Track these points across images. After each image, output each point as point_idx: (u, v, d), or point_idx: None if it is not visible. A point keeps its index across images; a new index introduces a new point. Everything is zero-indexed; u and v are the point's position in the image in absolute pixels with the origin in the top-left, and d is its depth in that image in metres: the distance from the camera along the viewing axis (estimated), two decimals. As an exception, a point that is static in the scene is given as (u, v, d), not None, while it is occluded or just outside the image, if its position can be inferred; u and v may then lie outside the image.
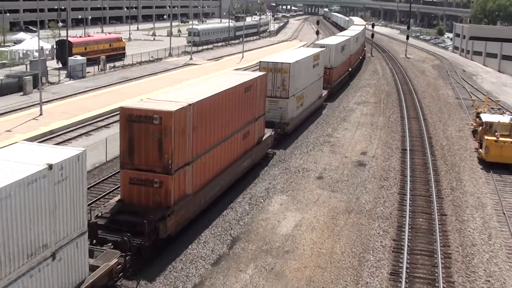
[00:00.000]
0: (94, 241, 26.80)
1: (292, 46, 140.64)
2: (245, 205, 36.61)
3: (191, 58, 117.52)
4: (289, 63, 51.27)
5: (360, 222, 34.96)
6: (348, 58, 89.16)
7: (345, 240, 32.25)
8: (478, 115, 56.30)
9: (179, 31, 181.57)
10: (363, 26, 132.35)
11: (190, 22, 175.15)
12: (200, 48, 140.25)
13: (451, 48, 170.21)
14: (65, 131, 53.56)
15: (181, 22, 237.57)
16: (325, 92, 70.15)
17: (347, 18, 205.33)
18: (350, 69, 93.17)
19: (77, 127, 55.39)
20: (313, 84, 61.92)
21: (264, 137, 44.96)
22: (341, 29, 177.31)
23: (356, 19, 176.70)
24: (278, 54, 73.15)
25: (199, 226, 32.74)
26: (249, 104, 40.13)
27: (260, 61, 52.89)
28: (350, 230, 33.63)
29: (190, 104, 30.01)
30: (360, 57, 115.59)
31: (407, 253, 30.55)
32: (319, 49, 66.85)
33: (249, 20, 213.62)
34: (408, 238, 32.35)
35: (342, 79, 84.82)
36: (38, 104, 60.16)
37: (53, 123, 54.83)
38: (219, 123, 34.59)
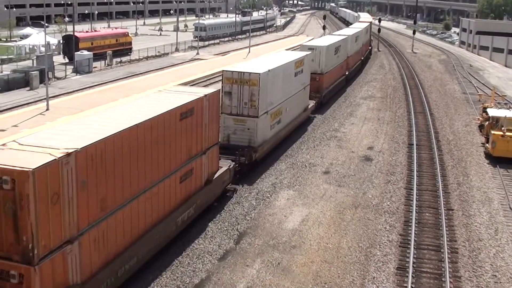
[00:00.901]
0: None
1: (300, 41, 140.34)
2: (252, 200, 36.67)
3: (197, 53, 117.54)
4: (259, 73, 40.79)
5: (366, 217, 34.98)
6: (344, 60, 78.92)
7: (352, 235, 32.29)
8: (484, 110, 56.21)
9: (186, 26, 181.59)
10: (367, 23, 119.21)
11: (205, 17, 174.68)
12: (206, 43, 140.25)
13: (457, 43, 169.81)
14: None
15: (196, 16, 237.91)
16: (312, 103, 60.02)
17: (356, 14, 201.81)
18: (347, 73, 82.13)
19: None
20: (296, 96, 51.89)
21: (218, 173, 35.25)
22: (349, 24, 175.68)
23: (364, 15, 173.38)
24: (250, 60, 55.99)
25: (206, 220, 32.82)
26: (190, 134, 30.21)
27: (223, 70, 42.23)
28: (356, 225, 33.67)
29: (68, 154, 19.98)
30: (362, 58, 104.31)
31: (414, 247, 30.57)
32: (304, 53, 56.33)
33: (255, 15, 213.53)
34: (414, 233, 32.36)
35: (336, 85, 74.28)
36: (44, 99, 60.35)
37: (59, 118, 54.93)
38: (133, 169, 24.58)
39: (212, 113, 33.28)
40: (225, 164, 36.66)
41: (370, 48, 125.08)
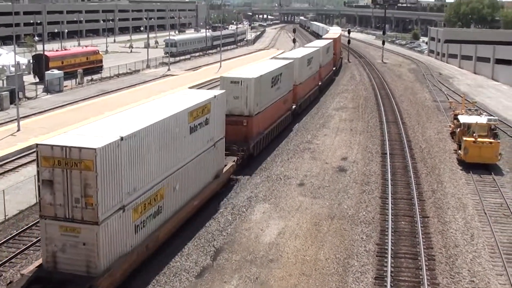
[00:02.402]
0: None
1: (271, 54, 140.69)
2: (227, 215, 36.51)
3: (169, 69, 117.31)
4: (95, 149, 24.05)
5: (343, 227, 34.99)
6: (281, 97, 57.88)
7: (329, 246, 32.26)
8: (456, 117, 56.61)
9: (156, 42, 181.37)
10: (331, 40, 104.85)
11: (187, 32, 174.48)
12: (178, 58, 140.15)
13: (426, 51, 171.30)
14: (44, 146, 53.07)
15: (178, 32, 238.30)
16: (231, 162, 42.56)
17: (328, 28, 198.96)
18: (280, 120, 58.39)
19: (56, 142, 54.91)
20: (195, 162, 34.87)
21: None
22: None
23: (334, 29, 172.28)
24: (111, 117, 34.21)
25: (182, 238, 32.60)
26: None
27: (36, 144, 25.05)
28: (333, 236, 33.65)
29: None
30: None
31: (391, 256, 30.61)
32: (205, 99, 36.59)
33: (231, 27, 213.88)
34: (391, 242, 32.42)
35: (274, 128, 56.22)
36: (15, 119, 59.74)
37: (31, 139, 54.38)
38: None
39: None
40: None
41: (331, 71, 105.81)
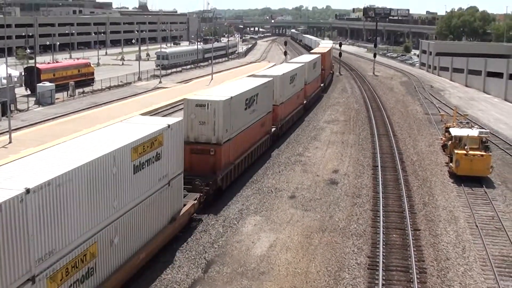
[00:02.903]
0: None
1: (262, 67, 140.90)
2: (219, 228, 36.42)
3: (160, 82, 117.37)
4: None
5: (334, 240, 34.93)
6: (258, 120, 51.88)
7: (320, 259, 32.19)
8: (447, 130, 56.72)
9: (148, 55, 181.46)
10: (318, 55, 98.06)
11: (182, 44, 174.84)
12: (169, 71, 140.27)
13: (418, 64, 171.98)
14: (34, 158, 52.99)
15: (173, 44, 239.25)
16: (191, 203, 35.89)
17: (321, 41, 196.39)
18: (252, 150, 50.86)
19: (47, 154, 54.82)
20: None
21: None
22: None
23: (325, 42, 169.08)
24: None
25: (173, 250, 32.49)
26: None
27: None
28: (324, 249, 33.58)
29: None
30: (303, 103, 78.44)
31: (382, 269, 30.56)
32: (155, 130, 30.27)
33: (224, 39, 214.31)
34: (382, 255, 32.37)
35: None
36: (7, 132, 59.61)
37: (22, 151, 54.27)
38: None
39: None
40: None
41: (319, 86, 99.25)
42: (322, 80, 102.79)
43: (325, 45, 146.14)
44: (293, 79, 68.96)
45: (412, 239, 34.72)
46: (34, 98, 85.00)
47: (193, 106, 40.85)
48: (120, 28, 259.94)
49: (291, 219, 38.34)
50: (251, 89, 48.98)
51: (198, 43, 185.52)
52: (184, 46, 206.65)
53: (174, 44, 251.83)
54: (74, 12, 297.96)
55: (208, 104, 40.71)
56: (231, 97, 42.96)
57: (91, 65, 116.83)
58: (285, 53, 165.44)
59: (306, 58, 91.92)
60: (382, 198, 42.57)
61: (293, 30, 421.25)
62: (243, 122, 46.20)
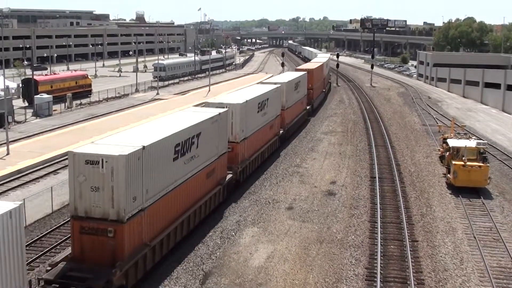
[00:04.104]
0: None
1: (260, 78, 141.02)
2: (216, 239, 36.37)
3: (157, 93, 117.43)
4: None
5: (332, 251, 34.88)
6: (200, 171, 37.47)
7: (318, 270, 32.13)
8: (445, 141, 56.73)
9: (145, 66, 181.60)
10: (303, 73, 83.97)
11: (188, 55, 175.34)
12: (166, 83, 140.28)
13: (415, 75, 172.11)
14: (32, 170, 53.03)
15: (179, 55, 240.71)
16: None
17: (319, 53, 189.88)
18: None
19: (45, 165, 54.86)
20: None
21: None
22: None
23: (320, 55, 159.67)
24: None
25: (171, 261, 32.43)
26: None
27: None
28: (322, 260, 33.53)
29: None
30: (277, 134, 62.31)
31: (380, 281, 30.51)
32: None
33: (214, 53, 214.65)
34: (380, 266, 32.33)
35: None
36: (4, 143, 59.56)
37: (20, 163, 54.26)
38: None
39: None
40: None
41: (305, 110, 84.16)
42: (309, 102, 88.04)
43: (318, 59, 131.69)
44: (263, 107, 54.99)
45: (410, 250, 34.70)
46: (32, 110, 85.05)
47: (82, 162, 27.44)
48: (118, 40, 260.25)
49: (288, 230, 38.28)
50: (185, 129, 34.80)
51: (196, 54, 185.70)
52: (182, 58, 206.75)
53: (180, 55, 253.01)
54: (72, 24, 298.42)
55: (102, 160, 27.17)
56: (141, 147, 28.71)
57: (89, 76, 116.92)
58: (283, 65, 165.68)
59: (285, 77, 76.79)
60: (380, 209, 42.55)
61: (290, 42, 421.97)
62: (166, 183, 31.89)
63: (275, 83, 65.09)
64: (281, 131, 64.16)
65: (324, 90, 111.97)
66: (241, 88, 76.73)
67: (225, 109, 43.86)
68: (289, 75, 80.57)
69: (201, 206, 37.85)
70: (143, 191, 28.98)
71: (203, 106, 48.71)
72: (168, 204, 32.54)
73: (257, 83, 74.55)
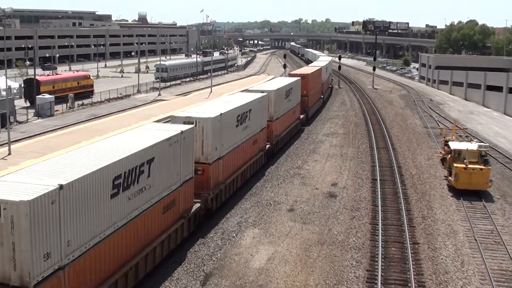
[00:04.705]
0: None
1: (261, 80, 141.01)
2: (217, 240, 36.37)
3: (159, 94, 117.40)
4: None
5: (333, 253, 34.87)
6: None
7: (319, 272, 32.12)
8: (446, 143, 56.68)
9: (147, 67, 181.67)
10: (296, 79, 76.81)
11: (193, 56, 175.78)
12: (168, 84, 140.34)
13: (417, 78, 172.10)
14: (33, 170, 52.98)
15: (185, 56, 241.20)
16: None
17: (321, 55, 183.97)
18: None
19: (46, 166, 54.81)
20: None
21: None
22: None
23: (322, 58, 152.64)
24: None
25: (171, 262, 32.44)
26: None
27: None
28: (323, 262, 33.52)
29: None
30: (263, 149, 55.33)
31: (381, 283, 30.49)
32: None
33: (216, 55, 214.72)
34: (381, 268, 32.31)
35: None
36: (6, 143, 59.54)
37: (22, 162, 54.19)
38: None
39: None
40: None
41: (299, 119, 77.06)
42: (304, 111, 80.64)
43: (317, 63, 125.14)
44: (243, 120, 47.75)
45: (411, 253, 34.67)
46: (34, 110, 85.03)
47: None
48: (120, 41, 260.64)
49: (289, 232, 38.28)
50: (128, 157, 27.02)
51: (198, 55, 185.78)
52: (184, 59, 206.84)
53: (185, 56, 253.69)
54: (74, 24, 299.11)
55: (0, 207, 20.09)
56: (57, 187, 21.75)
57: (91, 77, 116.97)
58: (285, 66, 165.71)
59: (274, 84, 68.58)
60: (381, 211, 42.53)
61: (292, 43, 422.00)
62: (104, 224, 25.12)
63: (261, 91, 58.23)
64: (267, 146, 57.04)
65: (322, 96, 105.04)
66: (219, 98, 68.22)
67: (191, 126, 36.43)
68: (279, 82, 72.70)
69: (155, 248, 30.69)
70: (62, 243, 21.84)
71: (168, 121, 43.71)
72: (105, 254, 25.34)
73: (241, 91, 68.09)
